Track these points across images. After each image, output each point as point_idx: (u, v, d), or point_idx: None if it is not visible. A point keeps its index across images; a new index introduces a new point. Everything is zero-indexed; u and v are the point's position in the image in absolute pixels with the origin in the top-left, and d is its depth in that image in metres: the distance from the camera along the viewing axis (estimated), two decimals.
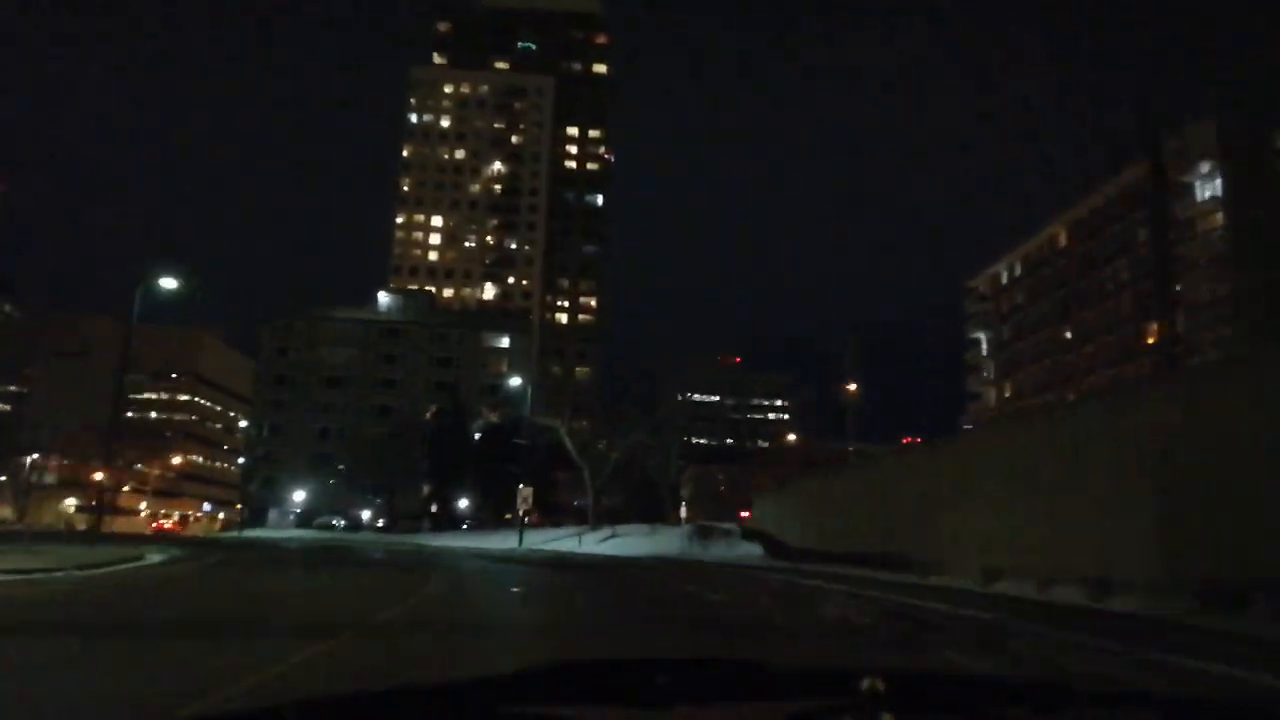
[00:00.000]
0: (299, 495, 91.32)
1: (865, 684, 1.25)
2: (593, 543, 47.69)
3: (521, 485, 50.18)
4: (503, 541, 54.08)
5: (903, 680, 1.32)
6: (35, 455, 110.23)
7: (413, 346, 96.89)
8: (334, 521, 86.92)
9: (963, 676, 2.03)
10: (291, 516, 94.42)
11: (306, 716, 1.15)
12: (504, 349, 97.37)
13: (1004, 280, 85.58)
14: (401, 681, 1.23)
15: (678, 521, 53.55)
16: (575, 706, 1.21)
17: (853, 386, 53.53)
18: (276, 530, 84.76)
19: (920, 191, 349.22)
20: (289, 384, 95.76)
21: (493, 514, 77.39)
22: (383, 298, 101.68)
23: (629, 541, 44.96)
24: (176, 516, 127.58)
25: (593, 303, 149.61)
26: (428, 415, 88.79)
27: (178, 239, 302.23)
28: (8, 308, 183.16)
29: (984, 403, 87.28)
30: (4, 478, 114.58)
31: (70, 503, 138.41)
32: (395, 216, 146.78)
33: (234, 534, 78.99)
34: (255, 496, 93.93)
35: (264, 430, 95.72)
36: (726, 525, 45.76)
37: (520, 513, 51.28)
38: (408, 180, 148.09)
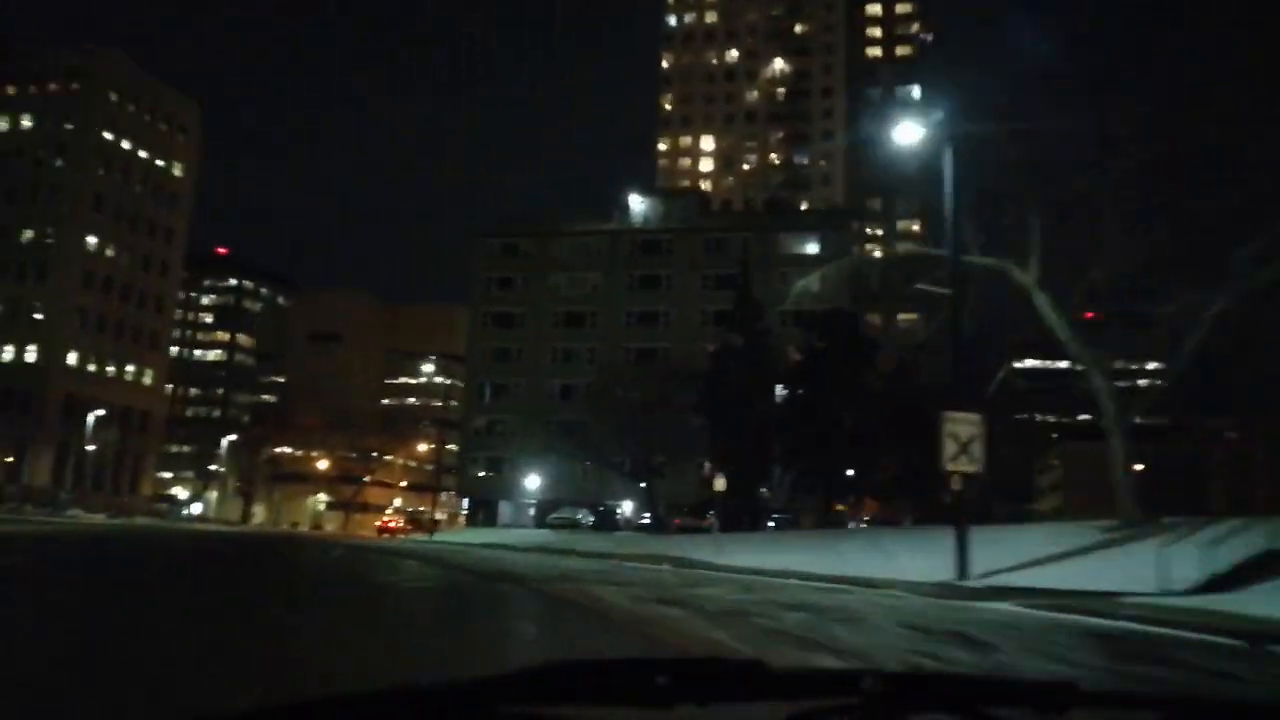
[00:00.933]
0: (532, 481, 64.44)
1: (865, 684, 1.24)
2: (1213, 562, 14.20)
3: (955, 415, 17.70)
4: (885, 559, 22.46)
5: (903, 680, 1.32)
6: (231, 437, 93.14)
7: (681, 263, 67.10)
8: (578, 516, 58.95)
9: (963, 676, 2.10)
10: (532, 510, 68.14)
11: (306, 716, 1.13)
12: (813, 257, 65.04)
13: None
14: (401, 681, 1.21)
15: None
16: (575, 706, 1.18)
17: None
18: (498, 531, 58.22)
19: None
20: (515, 325, 69.29)
21: (821, 502, 45.55)
22: (635, 203, 72.91)
23: None
24: (412, 512, 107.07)
25: (914, 227, 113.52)
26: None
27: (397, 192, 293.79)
28: (280, 300, 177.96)
29: None
30: (207, 467, 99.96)
31: (321, 499, 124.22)
32: (657, 142, 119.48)
33: (421, 539, 53.02)
34: (478, 484, 68.53)
35: (485, 393, 69.90)
36: None
37: (952, 482, 18.66)
38: (670, 96, 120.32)
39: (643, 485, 61.90)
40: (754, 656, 1.31)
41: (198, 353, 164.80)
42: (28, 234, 77.74)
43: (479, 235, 71.48)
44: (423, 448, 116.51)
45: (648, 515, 60.27)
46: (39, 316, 76.10)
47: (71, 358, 77.16)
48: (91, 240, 79.18)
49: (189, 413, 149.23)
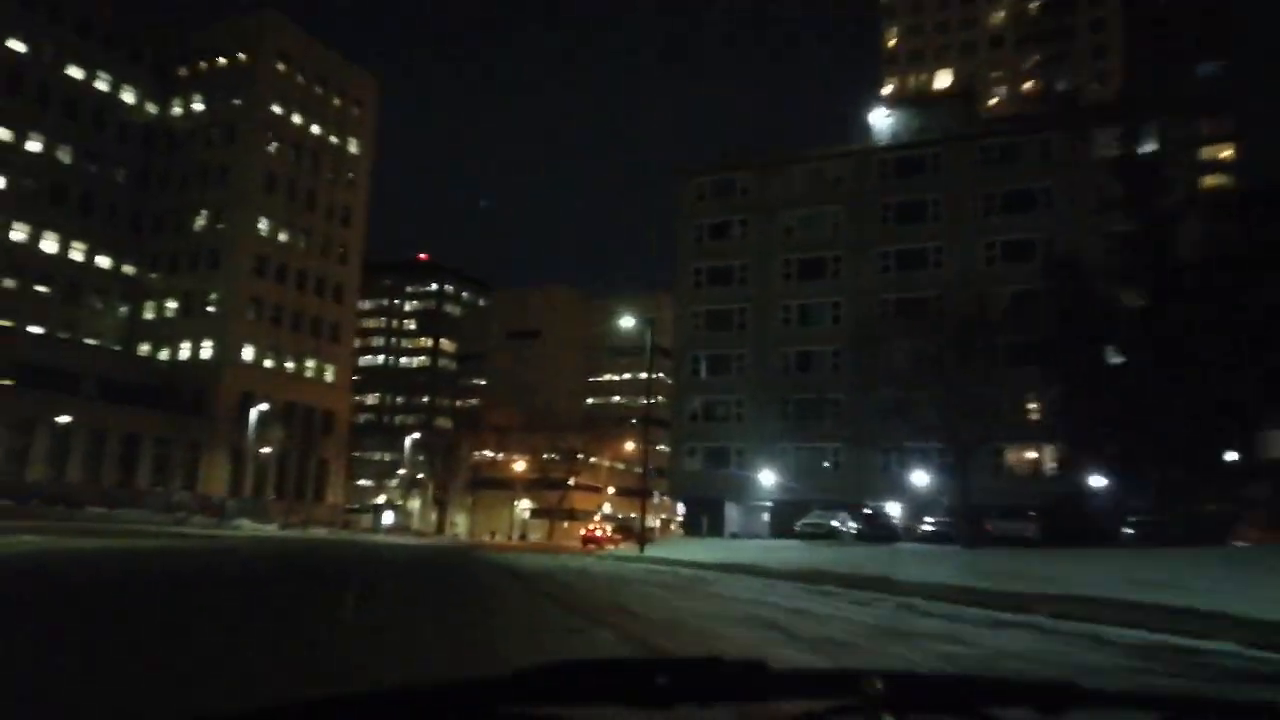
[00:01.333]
0: (766, 477, 49.86)
1: (866, 684, 1.24)
2: None
3: None
4: None
5: (903, 680, 1.32)
6: (414, 436, 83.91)
7: (952, 184, 50.52)
8: (833, 524, 43.66)
9: (963, 677, 2.00)
10: (765, 515, 53.70)
11: (305, 717, 1.12)
12: (1148, 158, 46.65)
13: None
14: (401, 681, 1.23)
15: None
16: (575, 707, 1.19)
17: None
18: (727, 543, 44.18)
19: None
20: (735, 281, 54.94)
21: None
22: (879, 119, 56.76)
23: None
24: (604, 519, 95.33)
25: (1224, 154, 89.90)
26: (1000, 310, 42.48)
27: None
28: (480, 301, 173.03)
29: None
30: (398, 473, 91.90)
31: (524, 506, 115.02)
32: (882, 85, 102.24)
33: (627, 553, 39.44)
34: (693, 482, 54.69)
35: (698, 368, 55.87)
36: None
37: None
38: (894, 32, 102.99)
39: (918, 477, 46.01)
40: (755, 657, 1.26)
41: (404, 360, 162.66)
42: (200, 221, 71.56)
43: (686, 174, 57.53)
44: (630, 446, 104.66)
45: (929, 520, 44.20)
46: (212, 309, 69.51)
47: (247, 353, 70.16)
48: (264, 224, 72.11)
49: (396, 420, 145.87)
